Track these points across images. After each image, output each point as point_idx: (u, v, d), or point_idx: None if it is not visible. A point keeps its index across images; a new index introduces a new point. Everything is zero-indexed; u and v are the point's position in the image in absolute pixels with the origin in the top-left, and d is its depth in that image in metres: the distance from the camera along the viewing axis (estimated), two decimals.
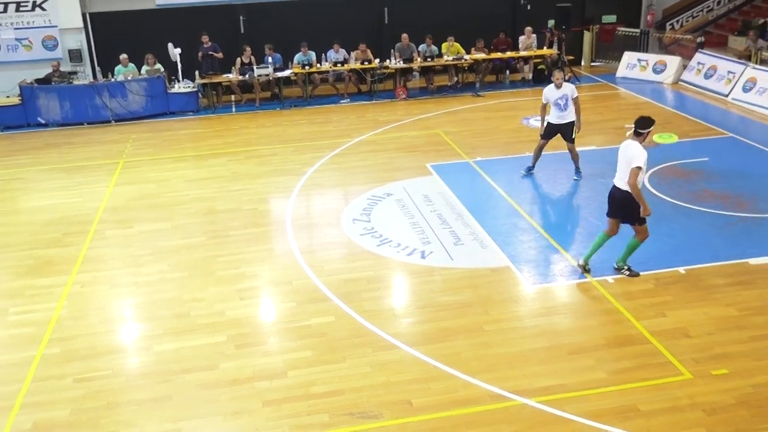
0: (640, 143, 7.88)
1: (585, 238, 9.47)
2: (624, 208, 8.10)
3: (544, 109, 11.58)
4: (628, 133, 8.10)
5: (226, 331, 7.67)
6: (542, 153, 11.84)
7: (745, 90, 15.95)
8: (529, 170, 11.91)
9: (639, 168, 7.75)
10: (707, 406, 6.18)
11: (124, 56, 16.83)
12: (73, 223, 10.78)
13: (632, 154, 7.82)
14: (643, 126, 7.91)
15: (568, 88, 11.41)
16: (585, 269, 8.51)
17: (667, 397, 6.31)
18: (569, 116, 11.46)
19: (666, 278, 8.36)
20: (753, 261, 8.71)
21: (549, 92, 11.42)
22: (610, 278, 8.41)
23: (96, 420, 6.37)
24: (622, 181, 8.00)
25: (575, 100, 11.37)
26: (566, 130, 11.53)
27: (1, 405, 6.61)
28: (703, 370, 6.66)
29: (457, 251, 9.28)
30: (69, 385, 6.85)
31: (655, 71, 18.34)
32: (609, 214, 8.34)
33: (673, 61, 18.38)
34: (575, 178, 11.68)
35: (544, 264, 8.92)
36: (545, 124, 11.62)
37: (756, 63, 16.55)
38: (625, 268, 8.46)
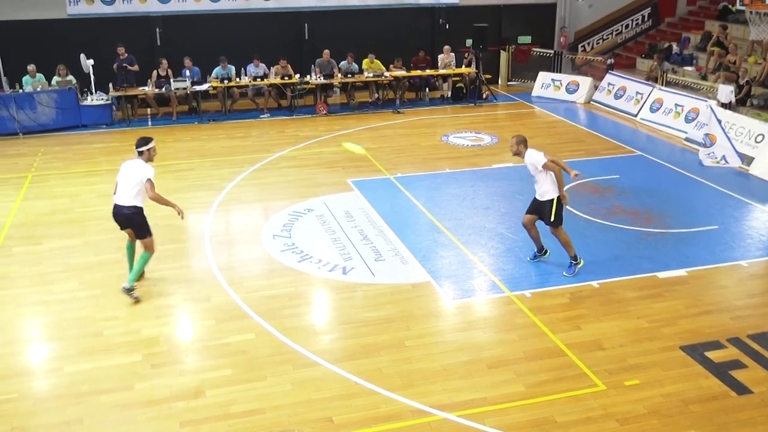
0: (144, 161, 8.44)
1: (503, 253, 9.66)
2: (131, 222, 8.55)
3: None
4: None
5: (142, 350, 7.44)
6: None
7: (653, 110, 16.69)
8: (536, 255, 9.41)
9: (150, 181, 8.29)
10: (620, 416, 6.37)
11: (31, 67, 16.16)
12: None
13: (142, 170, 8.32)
14: (140, 145, 8.47)
15: (530, 159, 8.73)
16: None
17: (582, 408, 6.48)
18: (544, 193, 8.79)
19: (581, 292, 8.61)
20: (661, 275, 9.06)
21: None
22: (527, 292, 8.59)
23: None
24: (128, 198, 8.40)
25: (546, 167, 8.60)
26: (543, 210, 8.88)
27: None
28: (616, 381, 6.87)
29: (379, 267, 9.30)
30: None
31: (569, 91, 18.95)
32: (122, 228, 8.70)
33: (585, 82, 19.05)
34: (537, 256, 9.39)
35: (463, 279, 9.03)
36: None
37: (662, 85, 17.35)
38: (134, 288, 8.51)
